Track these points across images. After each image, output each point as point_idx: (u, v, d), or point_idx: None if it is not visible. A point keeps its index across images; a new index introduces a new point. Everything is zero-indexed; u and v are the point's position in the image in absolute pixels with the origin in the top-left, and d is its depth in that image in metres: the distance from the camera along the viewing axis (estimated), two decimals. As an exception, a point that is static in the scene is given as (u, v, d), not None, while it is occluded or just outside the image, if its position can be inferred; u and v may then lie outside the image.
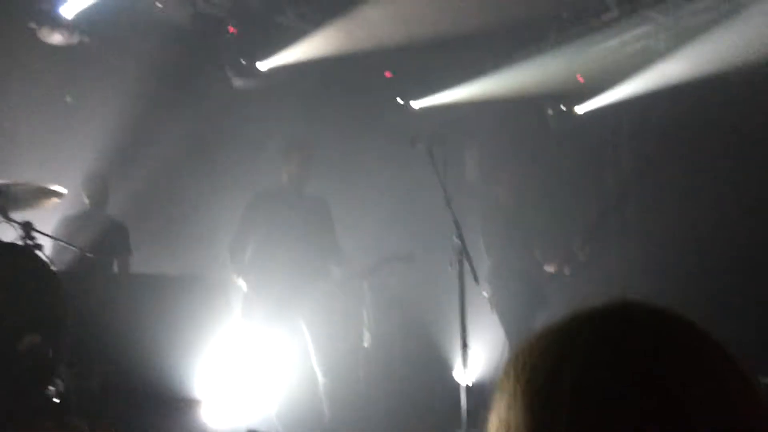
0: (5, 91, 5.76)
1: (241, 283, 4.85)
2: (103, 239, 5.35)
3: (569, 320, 0.79)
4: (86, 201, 5.62)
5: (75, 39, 5.60)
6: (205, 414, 4.24)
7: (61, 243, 4.69)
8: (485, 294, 5.55)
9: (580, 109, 7.04)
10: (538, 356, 0.77)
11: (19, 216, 3.88)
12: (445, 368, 5.96)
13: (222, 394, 4.37)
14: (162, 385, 4.13)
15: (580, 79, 6.93)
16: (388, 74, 7.18)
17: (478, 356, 5.40)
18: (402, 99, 7.45)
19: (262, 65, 6.46)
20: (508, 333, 5.60)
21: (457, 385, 4.21)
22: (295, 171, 4.91)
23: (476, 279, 3.97)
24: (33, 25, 5.39)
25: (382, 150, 6.74)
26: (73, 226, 5.41)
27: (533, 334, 0.81)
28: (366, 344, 6.03)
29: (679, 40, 6.14)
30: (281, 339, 4.80)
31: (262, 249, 4.85)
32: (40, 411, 3.37)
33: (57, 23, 5.40)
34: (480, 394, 4.43)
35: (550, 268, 5.73)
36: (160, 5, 6.06)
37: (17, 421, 3.14)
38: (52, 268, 3.68)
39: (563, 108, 6.99)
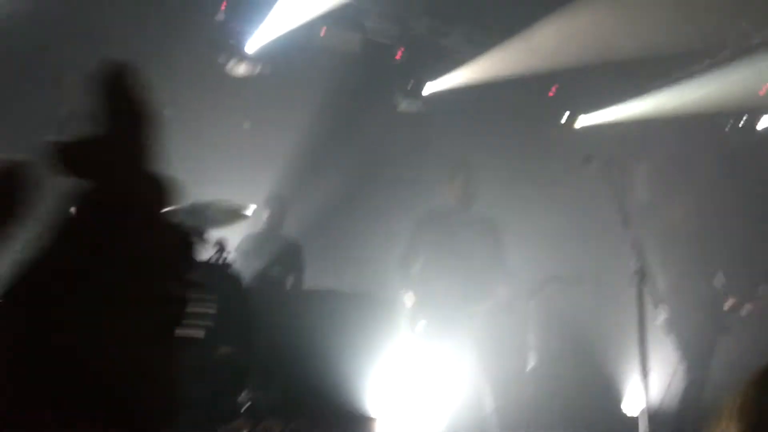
0: (196, 120, 6.26)
1: (409, 299, 4.94)
2: (279, 257, 5.66)
3: None
4: (264, 221, 5.98)
5: (257, 70, 6.02)
6: (378, 431, 4.34)
7: (245, 260, 5.01)
8: (661, 318, 5.31)
9: (762, 124, 6.60)
10: (756, 398, 0.76)
11: (212, 234, 4.21)
12: (617, 394, 5.74)
13: (394, 410, 4.47)
14: (336, 400, 4.28)
15: (762, 93, 6.51)
16: (551, 92, 7.09)
17: (651, 383, 5.16)
18: (566, 117, 7.34)
19: (428, 88, 6.61)
20: (685, 360, 5.32)
21: (628, 415, 4.05)
22: (462, 191, 4.97)
23: (656, 304, 3.82)
24: (222, 59, 5.85)
25: (549, 169, 6.66)
26: (253, 244, 5.76)
27: (750, 376, 0.80)
28: (532, 366, 5.94)
29: None
30: (448, 356, 4.83)
31: (431, 266, 4.93)
32: (235, 416, 3.60)
33: (243, 57, 5.83)
34: (654, 422, 4.23)
35: (728, 303, 5.37)
36: (329, 34, 6.37)
37: (214, 424, 3.37)
38: (242, 283, 3.95)
39: (743, 124, 6.58)
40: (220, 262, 3.97)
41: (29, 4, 5.25)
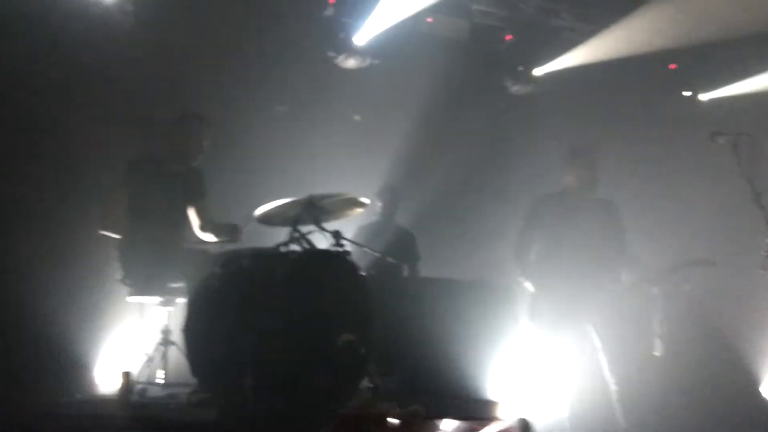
0: (310, 115, 6.42)
1: (528, 285, 4.87)
2: (394, 246, 5.73)
3: None
4: (378, 211, 6.06)
5: (366, 62, 6.09)
6: (499, 413, 4.32)
7: (363, 249, 5.10)
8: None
9: None
10: None
11: (328, 226, 4.31)
12: (752, 382, 5.45)
13: (515, 395, 4.43)
14: (454, 385, 4.29)
15: None
16: (672, 66, 6.77)
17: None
18: (687, 90, 7.00)
19: (540, 70, 6.47)
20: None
21: (761, 402, 3.83)
22: (584, 174, 4.84)
23: (794, 285, 3.60)
24: (332, 53, 5.96)
25: (674, 145, 6.37)
26: (367, 234, 5.86)
27: None
28: (658, 353, 5.72)
29: None
30: (570, 343, 4.74)
31: (549, 251, 4.85)
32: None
33: (352, 50, 5.92)
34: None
35: None
36: (437, 23, 6.34)
37: (335, 409, 3.45)
38: (362, 272, 4.02)
39: None
40: (339, 251, 4.06)
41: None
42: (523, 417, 2.81)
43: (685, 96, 7.01)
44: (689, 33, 6.04)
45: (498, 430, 2.76)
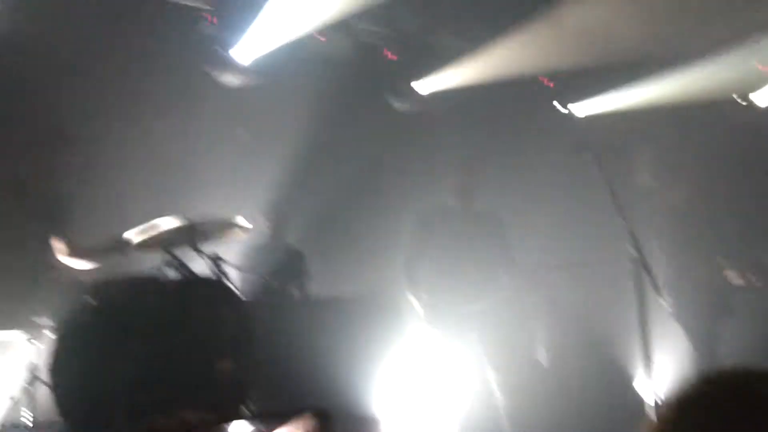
0: (185, 131, 6.26)
1: (415, 300, 4.92)
2: (283, 266, 5.65)
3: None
4: (265, 230, 5.96)
5: (247, 80, 6.02)
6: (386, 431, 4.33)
7: (246, 272, 5.01)
8: (665, 304, 5.27)
9: (764, 101, 6.53)
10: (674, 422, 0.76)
11: (208, 248, 4.20)
12: (627, 382, 5.69)
13: (402, 412, 4.45)
14: (343, 406, 4.26)
15: (760, 68, 6.42)
16: (546, 81, 7.05)
17: (663, 369, 5.12)
18: (563, 106, 7.29)
19: (423, 87, 6.58)
20: (695, 345, 5.29)
21: (640, 400, 4.01)
22: (462, 187, 4.95)
23: (658, 290, 3.77)
24: (211, 69, 5.86)
25: (548, 158, 6.61)
26: (255, 254, 5.75)
27: (667, 399, 0.80)
28: (540, 358, 5.89)
29: None
30: (456, 354, 4.81)
31: (436, 266, 4.91)
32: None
33: (233, 67, 5.83)
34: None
35: (738, 280, 5.33)
36: (323, 39, 6.34)
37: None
38: (240, 296, 3.93)
39: (743, 101, 6.51)
40: (218, 276, 3.97)
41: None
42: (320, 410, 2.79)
43: (561, 111, 7.29)
44: (568, 52, 6.29)
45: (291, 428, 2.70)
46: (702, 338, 5.28)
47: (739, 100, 6.58)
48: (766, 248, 5.40)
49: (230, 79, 5.96)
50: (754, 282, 5.32)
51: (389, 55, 6.53)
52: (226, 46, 5.92)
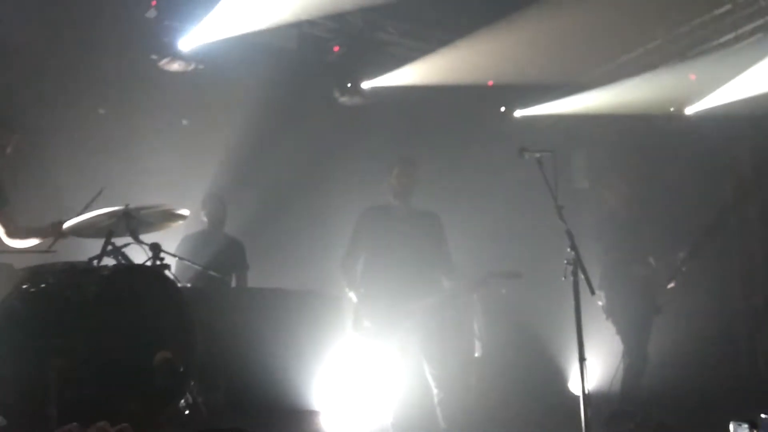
0: (128, 118, 6.13)
1: (352, 295, 4.94)
2: (222, 256, 5.60)
3: None
4: (205, 220, 5.89)
5: (191, 67, 5.92)
6: (323, 424, 4.35)
7: (185, 261, 4.94)
8: (600, 303, 5.45)
9: (691, 110, 6.79)
10: None
11: (147, 237, 4.13)
12: (561, 379, 5.86)
13: (339, 404, 4.47)
14: (281, 397, 4.27)
15: (692, 77, 6.66)
16: (490, 83, 7.16)
17: (594, 365, 5.29)
18: (505, 108, 7.42)
19: (367, 83, 6.59)
20: (625, 342, 5.49)
21: (573, 396, 4.13)
22: (400, 185, 4.96)
23: (592, 290, 3.89)
24: (155, 56, 5.74)
25: (489, 160, 6.72)
26: (194, 244, 5.68)
27: None
28: (478, 355, 6.00)
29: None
30: (394, 350, 4.85)
31: (374, 263, 4.93)
32: (173, 423, 3.56)
33: (176, 54, 5.74)
34: (598, 404, 4.33)
35: (666, 279, 5.58)
36: (265, 30, 6.28)
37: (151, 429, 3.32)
38: (179, 286, 3.88)
39: (672, 109, 6.76)
40: (154, 265, 3.91)
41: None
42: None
43: (501, 112, 7.43)
44: (515, 60, 6.42)
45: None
46: (631, 335, 5.47)
47: (671, 109, 6.81)
48: (679, 252, 5.65)
49: (173, 65, 5.85)
50: (680, 280, 5.56)
51: (335, 48, 6.51)
52: (170, 31, 5.80)
